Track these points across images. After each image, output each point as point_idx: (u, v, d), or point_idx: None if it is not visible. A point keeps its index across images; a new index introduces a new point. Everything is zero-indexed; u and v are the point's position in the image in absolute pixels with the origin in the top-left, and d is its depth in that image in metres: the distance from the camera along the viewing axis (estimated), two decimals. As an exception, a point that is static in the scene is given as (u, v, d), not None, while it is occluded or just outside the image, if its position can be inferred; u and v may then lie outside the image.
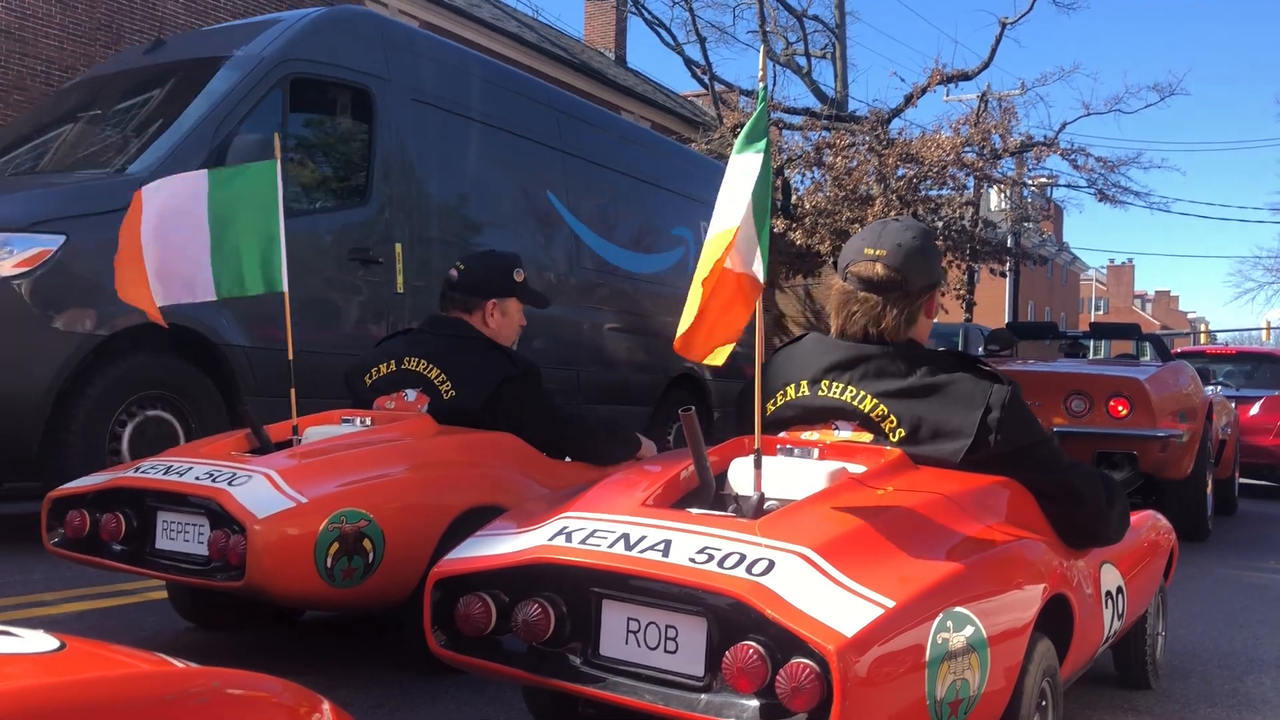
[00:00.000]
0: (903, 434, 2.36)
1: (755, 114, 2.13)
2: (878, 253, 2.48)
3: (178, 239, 3.44)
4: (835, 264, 2.63)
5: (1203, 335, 42.22)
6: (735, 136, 16.52)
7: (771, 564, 1.83)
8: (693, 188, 8.96)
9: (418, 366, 3.53)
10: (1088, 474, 2.53)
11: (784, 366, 2.55)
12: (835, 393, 2.43)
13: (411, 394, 3.51)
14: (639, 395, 8.13)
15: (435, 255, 6.35)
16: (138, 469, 3.06)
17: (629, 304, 8.17)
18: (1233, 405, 9.10)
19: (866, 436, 2.40)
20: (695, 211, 8.88)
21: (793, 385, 2.50)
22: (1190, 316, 77.45)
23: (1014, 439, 2.34)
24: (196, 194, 3.44)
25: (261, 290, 3.51)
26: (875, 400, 2.39)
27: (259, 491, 2.77)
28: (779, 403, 2.52)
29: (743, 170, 2.07)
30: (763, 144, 2.09)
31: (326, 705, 1.32)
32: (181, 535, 2.89)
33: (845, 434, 2.42)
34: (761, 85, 2.30)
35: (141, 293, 3.38)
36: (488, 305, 3.65)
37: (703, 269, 2.01)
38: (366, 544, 2.82)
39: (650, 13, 21.91)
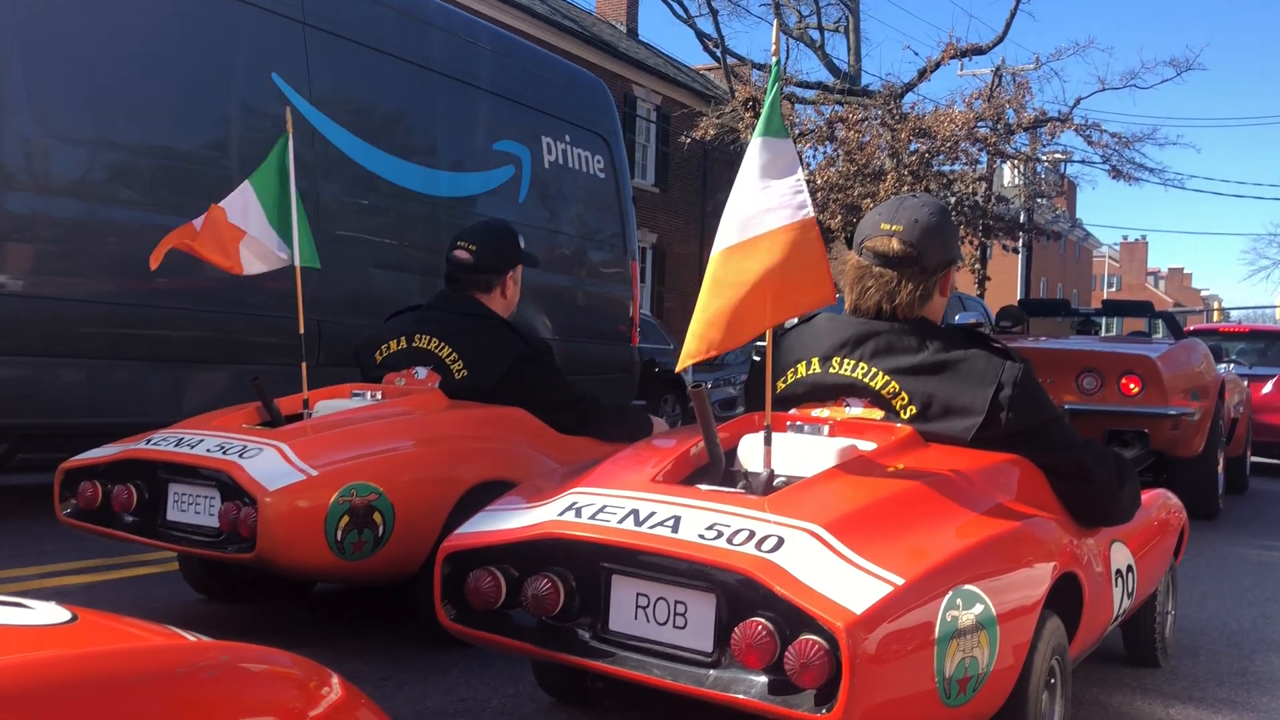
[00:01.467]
0: (914, 411, 2.36)
1: (771, 96, 2.11)
2: (894, 228, 2.47)
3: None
4: (849, 240, 2.61)
5: (1216, 313, 42.01)
6: (747, 110, 16.43)
7: (781, 540, 1.83)
8: (534, 94, 7.35)
9: (429, 345, 3.52)
10: (1099, 453, 2.52)
11: (795, 344, 2.55)
12: (846, 370, 2.42)
13: (422, 372, 3.51)
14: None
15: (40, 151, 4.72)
16: (149, 440, 3.07)
17: (415, 236, 6.35)
18: (1245, 383, 9.06)
19: (877, 414, 2.39)
20: (536, 124, 7.34)
21: (804, 363, 2.50)
22: (1204, 294, 77.01)
23: (1026, 417, 2.33)
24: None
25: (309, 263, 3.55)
26: (886, 377, 2.39)
27: (270, 464, 2.78)
28: (789, 380, 2.51)
29: (779, 157, 2.10)
30: (785, 132, 2.12)
31: (335, 679, 1.33)
32: (193, 507, 2.90)
33: (856, 410, 2.41)
34: (775, 60, 2.28)
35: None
36: (507, 279, 3.67)
37: (747, 268, 2.04)
38: (377, 517, 2.83)
39: (662, -15, 21.74)
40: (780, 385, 2.51)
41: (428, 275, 5.88)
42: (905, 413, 2.36)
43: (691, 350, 2.07)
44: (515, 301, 3.72)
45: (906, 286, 2.45)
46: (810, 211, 2.12)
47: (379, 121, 6.30)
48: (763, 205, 2.10)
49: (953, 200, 18.46)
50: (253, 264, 3.48)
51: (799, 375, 2.50)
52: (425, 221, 6.41)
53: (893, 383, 2.38)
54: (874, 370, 2.40)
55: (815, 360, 2.47)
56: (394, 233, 6.32)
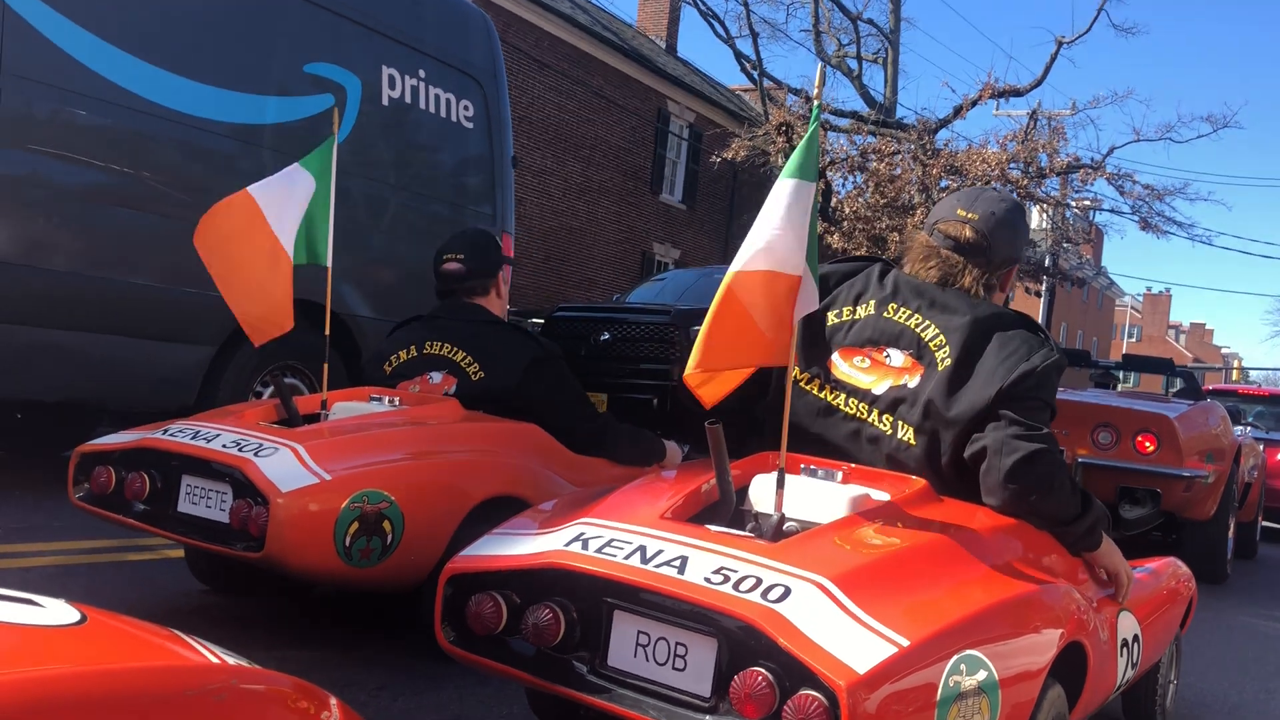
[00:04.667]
0: (948, 364, 2.37)
1: (808, 136, 2.12)
2: (970, 215, 2.52)
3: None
4: (921, 223, 2.65)
5: (1236, 371, 41.76)
6: (780, 135, 16.40)
7: (787, 590, 1.82)
8: (375, 12, 6.02)
9: (442, 350, 3.55)
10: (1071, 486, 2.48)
11: (852, 283, 2.58)
12: (901, 317, 2.47)
13: (437, 376, 3.53)
14: (184, 327, 5.04)
15: None
16: (166, 431, 3.08)
17: (163, 166, 5.04)
18: (1261, 448, 9.00)
19: (915, 373, 2.40)
20: (373, 49, 6.02)
21: (864, 304, 2.52)
22: (1224, 351, 76.64)
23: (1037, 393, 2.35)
24: (305, 186, 3.41)
25: (303, 261, 3.48)
26: (937, 330, 2.43)
27: (285, 465, 2.79)
28: (843, 318, 2.54)
29: (798, 202, 2.09)
30: (814, 176, 2.11)
31: (334, 701, 1.33)
32: (204, 501, 2.91)
33: (897, 361, 2.43)
34: (816, 104, 2.28)
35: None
36: (499, 279, 3.79)
37: (740, 302, 2.07)
38: (386, 526, 2.84)
39: (704, 4, 21.85)
40: (832, 319, 2.54)
41: (172, 218, 4.81)
42: (941, 364, 2.38)
43: (693, 361, 2.10)
44: (505, 301, 3.80)
45: (971, 273, 2.51)
46: (798, 269, 2.12)
47: (118, 9, 4.89)
48: (776, 244, 2.10)
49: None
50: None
51: (856, 316, 2.51)
52: (184, 149, 5.13)
53: (941, 335, 2.41)
54: (927, 322, 2.44)
55: (872, 302, 2.51)
56: (129, 159, 4.89)
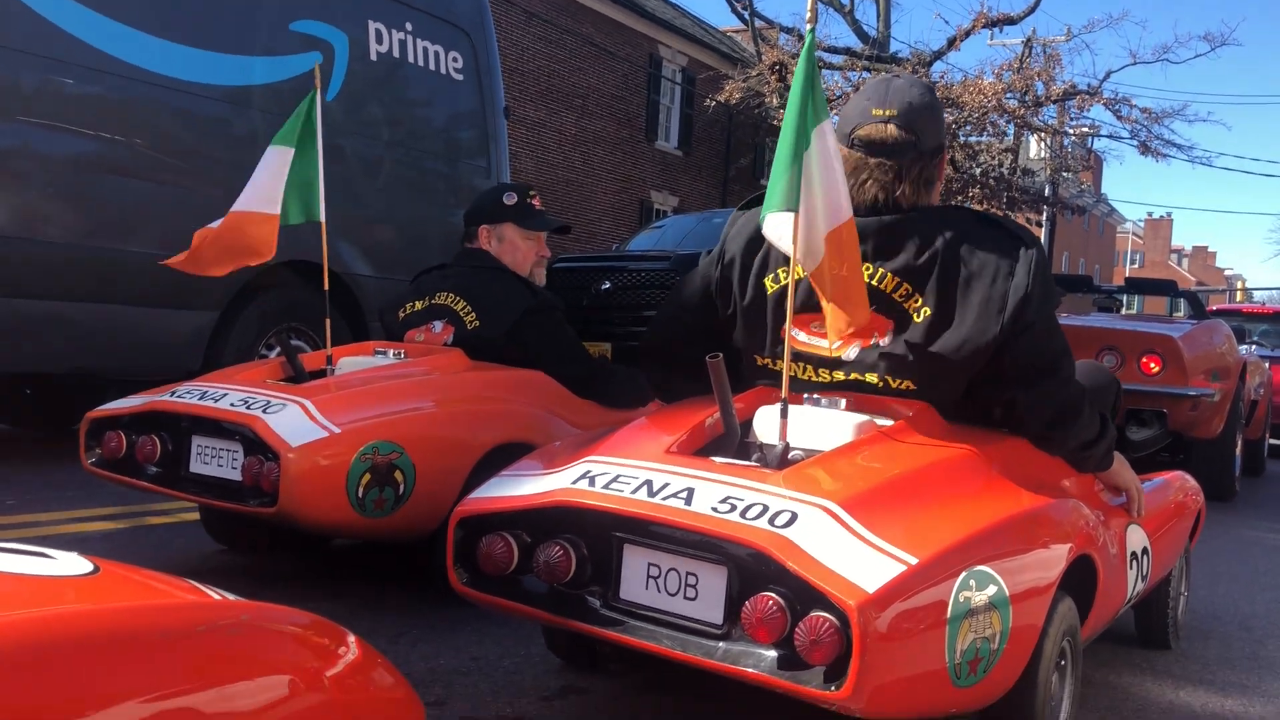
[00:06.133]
0: (928, 313, 2.19)
1: (809, 74, 2.04)
2: (888, 112, 2.27)
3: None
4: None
5: (1239, 293, 41.66)
6: (773, 75, 16.23)
7: (794, 516, 1.83)
8: None
9: (447, 300, 3.58)
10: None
11: (766, 245, 2.32)
12: None
13: (438, 325, 3.57)
14: (185, 293, 4.92)
15: None
16: (174, 393, 3.09)
17: (151, 131, 4.99)
18: (1267, 365, 9.00)
19: (887, 327, 2.23)
20: (359, 4, 5.95)
21: (785, 268, 2.26)
22: (1227, 273, 76.28)
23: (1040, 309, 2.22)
24: (279, 161, 3.38)
25: (300, 220, 3.47)
26: (896, 279, 2.21)
27: (293, 420, 2.80)
28: (782, 280, 2.28)
29: (831, 144, 2.01)
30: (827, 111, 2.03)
31: (352, 638, 1.34)
32: (215, 460, 2.93)
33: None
34: (810, 29, 2.18)
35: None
36: (481, 232, 3.75)
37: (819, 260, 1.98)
38: (398, 476, 2.86)
39: (692, -56, 21.50)
40: (771, 285, 2.32)
41: (165, 184, 4.95)
42: (919, 315, 2.19)
43: (841, 326, 2.00)
44: (516, 261, 3.72)
45: (908, 175, 2.26)
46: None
47: None
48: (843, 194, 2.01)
49: (978, 171, 18.30)
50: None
51: (799, 275, 2.11)
52: (171, 114, 5.06)
53: (904, 284, 2.20)
54: (880, 271, 2.21)
55: (799, 268, 2.08)
56: (115, 126, 4.85)
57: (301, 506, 2.74)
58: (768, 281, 2.36)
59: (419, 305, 3.64)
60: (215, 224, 3.30)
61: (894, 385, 2.28)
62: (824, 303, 2.06)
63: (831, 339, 2.04)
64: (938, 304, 2.20)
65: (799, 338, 2.33)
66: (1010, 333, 2.19)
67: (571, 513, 2.00)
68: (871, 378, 2.29)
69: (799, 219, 2.00)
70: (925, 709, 1.84)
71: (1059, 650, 2.11)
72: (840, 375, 2.32)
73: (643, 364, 2.74)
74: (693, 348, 2.40)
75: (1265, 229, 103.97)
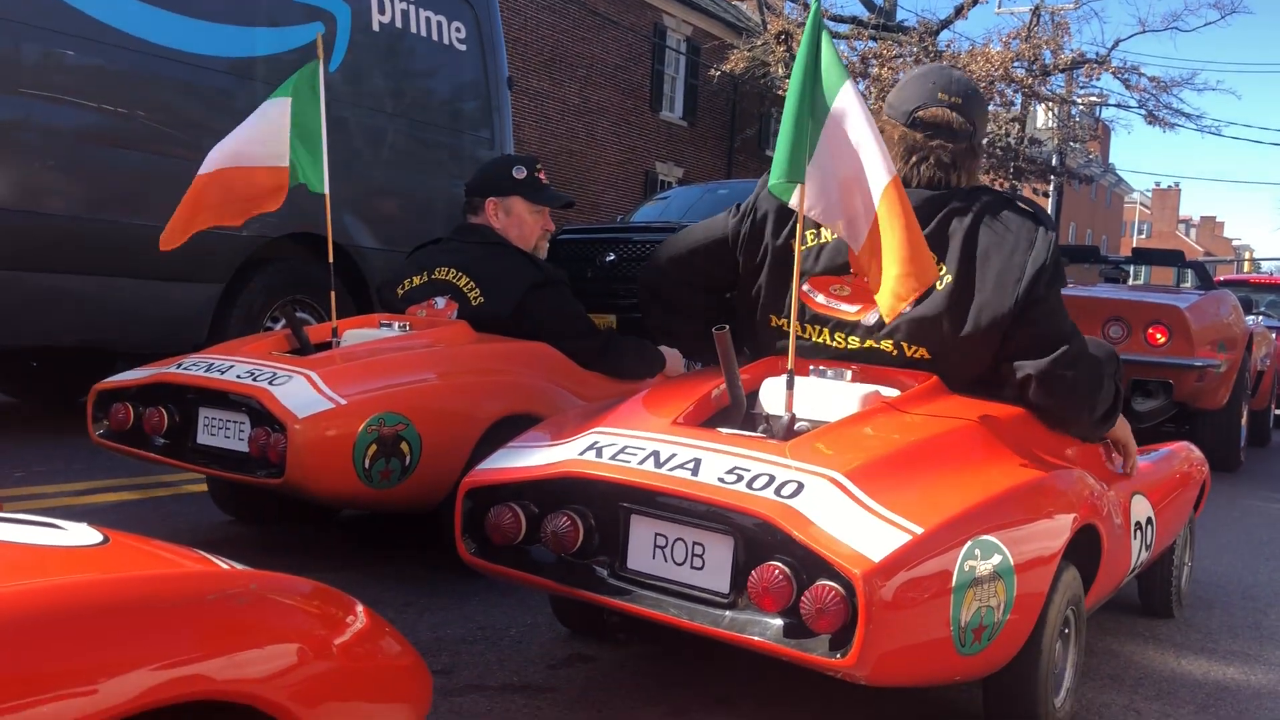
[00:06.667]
0: (950, 281, 2.25)
1: (821, 43, 2.02)
2: (954, 99, 2.37)
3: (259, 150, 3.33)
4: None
5: (1247, 263, 41.50)
6: (779, 44, 16.13)
7: (800, 486, 1.84)
8: None
9: (448, 275, 3.55)
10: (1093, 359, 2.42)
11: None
12: None
13: (441, 301, 3.54)
14: (190, 266, 4.85)
15: None
16: (180, 365, 3.10)
17: (170, 107, 5.01)
18: (1273, 336, 8.97)
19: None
20: None
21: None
22: (1235, 244, 75.91)
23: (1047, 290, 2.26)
24: (279, 110, 3.37)
25: (305, 180, 3.46)
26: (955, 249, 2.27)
27: (299, 391, 2.81)
28: (809, 243, 2.35)
29: (861, 104, 2.00)
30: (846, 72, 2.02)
31: (360, 607, 1.36)
32: (223, 431, 2.94)
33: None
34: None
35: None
36: (488, 205, 3.69)
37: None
38: (404, 447, 2.87)
39: (697, -88, 21.33)
40: (811, 240, 2.35)
41: (169, 157, 4.88)
42: (940, 283, 2.25)
43: (902, 292, 1.98)
44: (521, 236, 3.68)
45: (965, 163, 2.39)
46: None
47: None
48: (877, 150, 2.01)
49: (984, 141, 18.21)
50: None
51: (823, 240, 2.32)
52: (176, 86, 5.05)
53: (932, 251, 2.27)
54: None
55: (809, 233, 2.29)
56: (120, 99, 4.84)
57: (308, 477, 2.75)
58: (805, 237, 2.34)
59: (418, 280, 3.61)
60: (206, 172, 3.27)
61: (909, 353, 2.31)
62: (881, 267, 2.00)
63: (892, 305, 2.00)
64: (959, 272, 2.25)
65: (818, 299, 2.36)
66: (1025, 304, 2.23)
67: (579, 483, 2.01)
68: (887, 344, 2.31)
69: (834, 184, 2.01)
70: (930, 677, 1.86)
71: (1063, 619, 2.12)
72: (855, 341, 2.34)
73: (641, 297, 2.75)
74: (694, 292, 2.55)
75: (1274, 199, 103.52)
